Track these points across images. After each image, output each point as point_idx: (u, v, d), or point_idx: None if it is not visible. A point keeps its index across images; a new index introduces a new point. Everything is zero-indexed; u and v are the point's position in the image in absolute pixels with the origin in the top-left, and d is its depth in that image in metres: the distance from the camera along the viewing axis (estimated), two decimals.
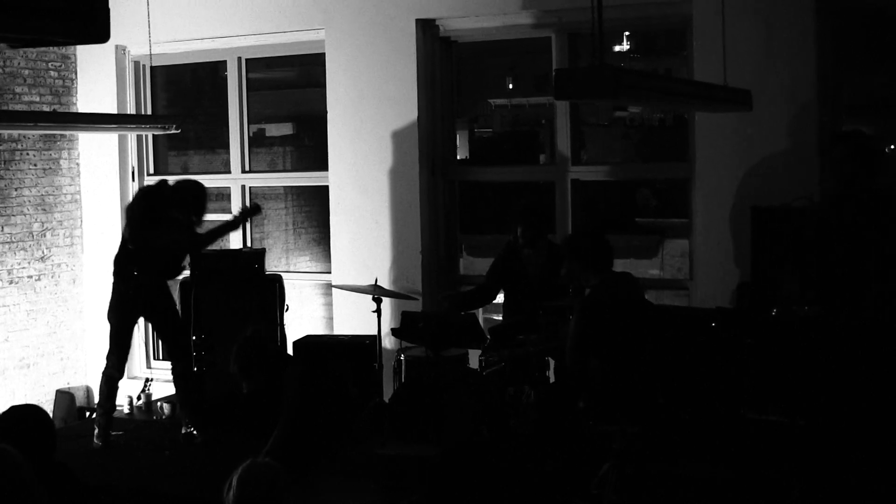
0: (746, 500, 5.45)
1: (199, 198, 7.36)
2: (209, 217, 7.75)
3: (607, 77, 4.62)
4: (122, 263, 7.24)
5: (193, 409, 7.33)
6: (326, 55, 8.71)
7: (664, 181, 11.66)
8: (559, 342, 6.33)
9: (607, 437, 5.47)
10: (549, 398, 6.37)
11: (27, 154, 9.38)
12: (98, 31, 2.96)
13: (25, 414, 4.48)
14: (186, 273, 8.07)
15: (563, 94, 5.16)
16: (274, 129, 12.45)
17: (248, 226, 9.30)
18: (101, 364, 7.37)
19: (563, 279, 6.50)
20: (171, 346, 7.47)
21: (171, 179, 7.58)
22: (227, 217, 7.80)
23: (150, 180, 9.82)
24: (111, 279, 7.33)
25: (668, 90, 5.82)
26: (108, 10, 2.95)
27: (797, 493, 5.30)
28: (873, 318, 5.62)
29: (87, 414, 9.11)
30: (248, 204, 9.06)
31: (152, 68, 9.71)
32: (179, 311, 7.73)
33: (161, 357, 9.77)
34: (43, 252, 9.52)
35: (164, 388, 8.53)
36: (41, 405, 6.37)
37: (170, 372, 7.59)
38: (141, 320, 7.73)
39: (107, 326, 7.38)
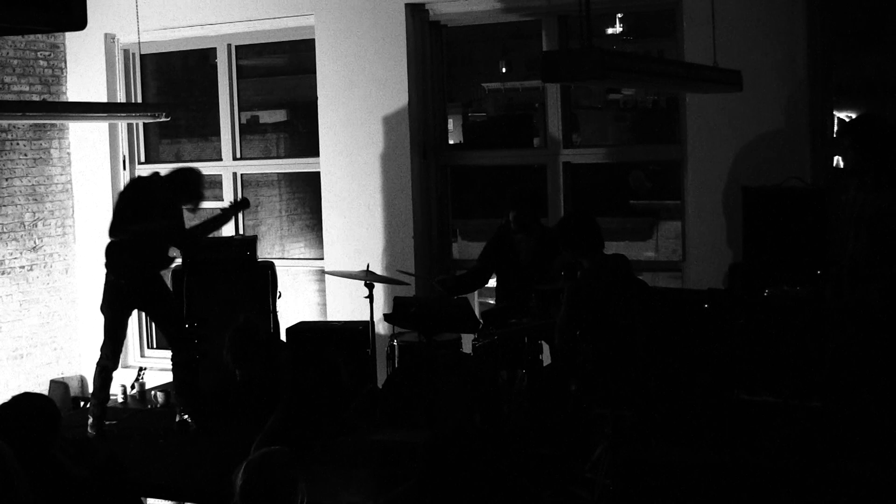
0: (739, 481, 5.45)
1: (193, 184, 7.28)
2: (206, 205, 7.72)
3: (594, 59, 4.60)
4: (111, 255, 7.19)
5: (188, 398, 7.33)
6: (316, 41, 8.68)
7: (658, 163, 11.66)
8: (551, 323, 6.32)
9: (600, 421, 5.48)
10: (542, 382, 6.36)
11: (17, 144, 9.35)
12: (75, 17, 2.93)
13: (28, 404, 4.48)
14: (178, 262, 8.05)
15: (551, 76, 5.12)
16: (267, 116, 12.41)
17: (240, 213, 9.28)
18: (95, 353, 7.35)
19: (556, 267, 6.50)
20: (172, 336, 7.44)
21: (166, 168, 7.49)
22: (217, 210, 7.72)
23: (142, 168, 9.81)
24: (104, 270, 7.30)
25: (657, 72, 5.79)
26: None
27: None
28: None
29: (82, 403, 9.10)
30: (237, 197, 8.96)
31: (142, 56, 9.69)
32: None
33: (155, 346, 9.77)
34: (35, 242, 9.50)
35: (157, 376, 8.53)
36: None
37: (166, 360, 7.57)
38: (135, 311, 7.71)
39: (100, 315, 7.36)
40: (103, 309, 7.26)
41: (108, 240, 7.21)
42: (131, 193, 7.29)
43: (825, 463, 5.42)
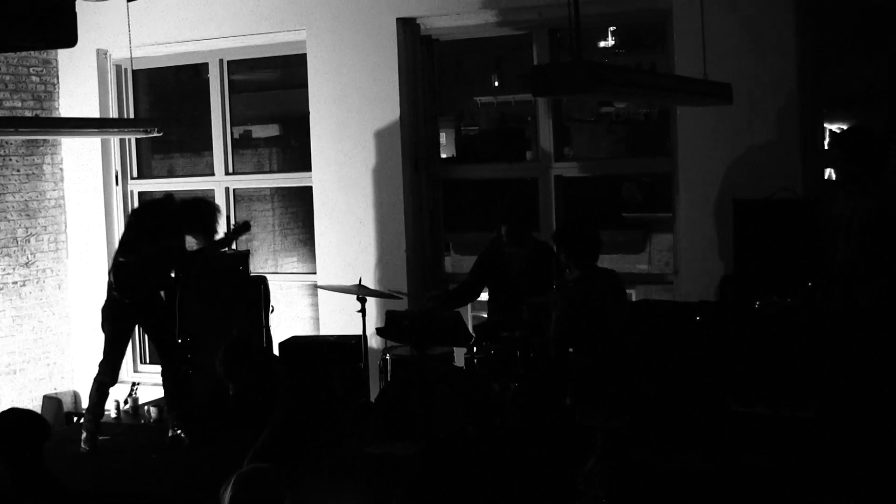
0: (732, 492, 5.45)
1: (210, 218, 7.29)
2: None
3: (582, 72, 4.62)
4: (119, 275, 7.15)
5: (181, 412, 7.32)
6: (308, 55, 8.70)
7: (651, 176, 11.67)
8: (543, 338, 6.34)
9: (593, 433, 5.48)
10: (536, 392, 6.37)
11: (10, 160, 9.35)
12: (66, 34, 2.94)
13: (16, 419, 4.48)
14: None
15: (539, 90, 5.15)
16: (260, 131, 12.42)
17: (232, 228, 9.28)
18: (88, 368, 7.36)
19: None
20: (164, 350, 7.44)
21: (180, 197, 7.45)
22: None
23: (134, 184, 9.83)
24: (104, 288, 7.26)
25: (646, 85, 5.81)
26: (74, 15, 2.93)
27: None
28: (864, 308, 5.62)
29: (75, 419, 9.09)
30: (238, 221, 8.80)
31: (134, 72, 9.70)
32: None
33: (148, 361, 9.76)
34: (28, 258, 9.49)
35: (150, 391, 8.52)
36: None
37: (158, 375, 7.56)
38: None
39: (93, 330, 7.35)
40: (104, 327, 7.24)
41: (119, 259, 7.17)
42: (145, 215, 7.31)
43: (818, 471, 5.42)
